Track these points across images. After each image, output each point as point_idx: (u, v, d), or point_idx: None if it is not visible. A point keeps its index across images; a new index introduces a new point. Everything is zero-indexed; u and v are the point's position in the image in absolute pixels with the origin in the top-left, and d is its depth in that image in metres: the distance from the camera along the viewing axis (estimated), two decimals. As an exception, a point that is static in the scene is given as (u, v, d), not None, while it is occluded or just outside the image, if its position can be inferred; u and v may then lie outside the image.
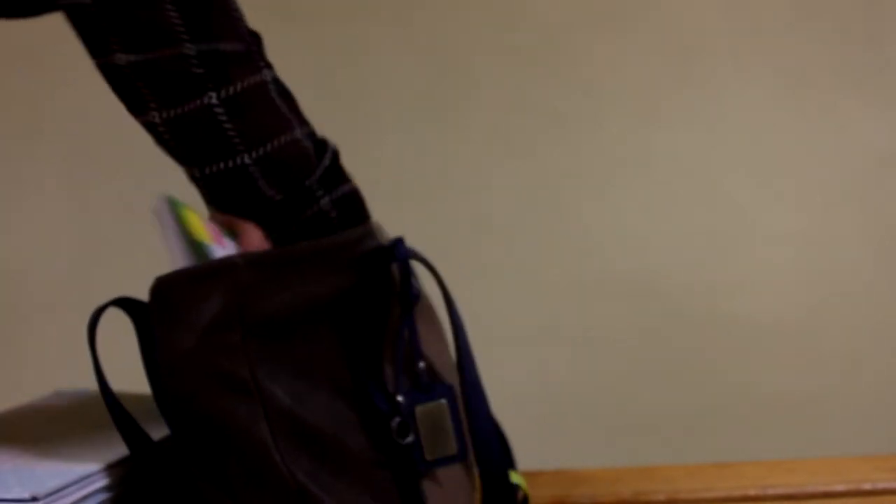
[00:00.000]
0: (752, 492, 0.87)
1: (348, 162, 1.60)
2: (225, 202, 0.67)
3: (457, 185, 1.44)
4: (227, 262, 0.61)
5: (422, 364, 0.67)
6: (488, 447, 0.72)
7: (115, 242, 1.40)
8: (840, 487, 0.87)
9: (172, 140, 0.66)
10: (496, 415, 0.78)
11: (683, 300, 1.43)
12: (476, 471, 0.73)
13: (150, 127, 0.66)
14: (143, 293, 0.65)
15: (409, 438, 0.64)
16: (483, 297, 1.43)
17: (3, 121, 1.42)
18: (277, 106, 0.68)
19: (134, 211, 1.41)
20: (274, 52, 1.02)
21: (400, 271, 0.66)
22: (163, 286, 0.62)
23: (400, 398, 0.65)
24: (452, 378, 0.71)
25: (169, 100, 0.64)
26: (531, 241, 1.43)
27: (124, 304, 0.64)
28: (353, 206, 0.71)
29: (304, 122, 0.72)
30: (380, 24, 1.41)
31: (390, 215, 1.44)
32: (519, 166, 1.42)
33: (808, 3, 1.40)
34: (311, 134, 0.72)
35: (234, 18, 0.67)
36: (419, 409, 0.65)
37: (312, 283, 0.63)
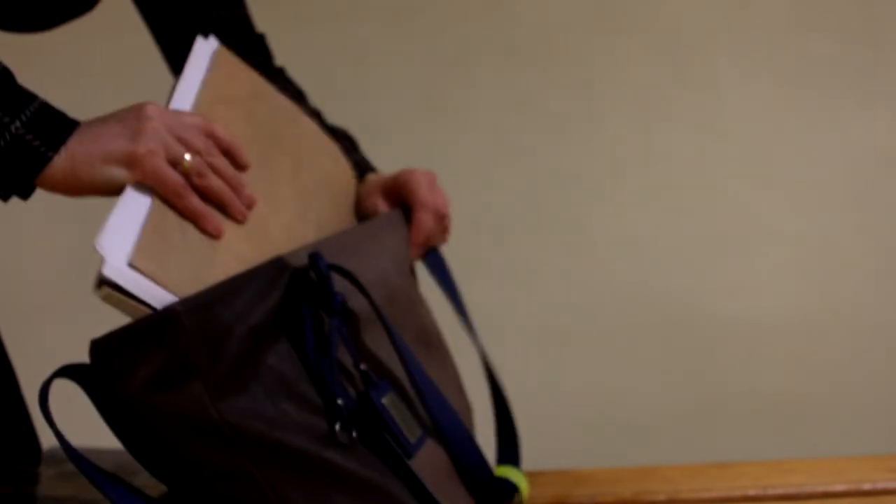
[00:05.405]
0: (752, 492, 0.87)
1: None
2: None
3: (457, 185, 1.44)
4: (168, 314, 0.59)
5: (363, 366, 0.68)
6: (453, 437, 0.74)
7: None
8: (840, 487, 0.87)
9: None
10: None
11: (683, 300, 1.43)
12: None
13: None
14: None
15: (383, 430, 0.66)
16: (483, 296, 1.43)
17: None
18: None
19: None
20: (276, 52, 1.02)
21: (318, 283, 0.67)
22: (100, 348, 0.61)
23: (351, 395, 0.66)
24: (400, 375, 0.73)
25: None
26: (531, 241, 1.43)
27: (68, 372, 0.63)
28: (50, 121, 0.66)
29: None
30: (380, 24, 1.41)
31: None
32: (519, 166, 1.42)
33: (808, 3, 1.40)
34: None
35: None
36: (385, 401, 0.67)
37: (250, 313, 0.62)
